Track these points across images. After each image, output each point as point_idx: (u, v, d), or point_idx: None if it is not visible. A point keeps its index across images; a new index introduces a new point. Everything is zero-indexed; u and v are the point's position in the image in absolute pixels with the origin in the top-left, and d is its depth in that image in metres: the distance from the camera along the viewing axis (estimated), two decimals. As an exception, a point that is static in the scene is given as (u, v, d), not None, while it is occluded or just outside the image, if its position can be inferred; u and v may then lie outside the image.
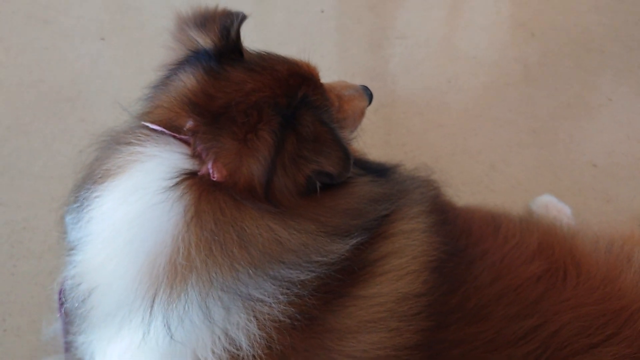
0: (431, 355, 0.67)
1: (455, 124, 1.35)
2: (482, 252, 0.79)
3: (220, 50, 0.73)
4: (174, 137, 0.66)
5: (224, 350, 0.60)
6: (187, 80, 0.70)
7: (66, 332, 1.00)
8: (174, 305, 0.59)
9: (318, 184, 0.66)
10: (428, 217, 0.81)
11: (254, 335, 0.60)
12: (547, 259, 0.76)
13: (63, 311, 1.03)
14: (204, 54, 0.73)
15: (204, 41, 0.74)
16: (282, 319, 0.61)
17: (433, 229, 0.80)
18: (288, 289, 0.61)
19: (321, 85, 0.81)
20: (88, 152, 0.73)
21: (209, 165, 0.64)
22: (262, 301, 0.60)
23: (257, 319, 0.61)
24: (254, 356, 0.60)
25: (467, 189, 1.22)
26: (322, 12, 1.61)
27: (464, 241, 0.81)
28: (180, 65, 0.74)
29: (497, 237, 0.82)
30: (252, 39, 0.83)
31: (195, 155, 0.65)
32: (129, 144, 0.66)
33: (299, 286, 0.62)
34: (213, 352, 0.61)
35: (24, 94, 1.43)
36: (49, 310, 1.04)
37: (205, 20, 0.75)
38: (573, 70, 1.47)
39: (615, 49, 1.51)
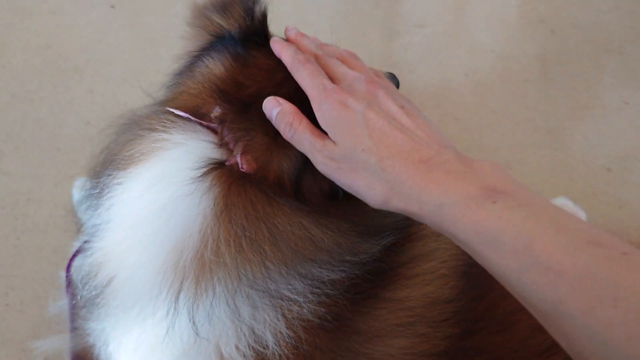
0: None
1: (472, 119, 1.33)
2: None
3: (245, 33, 0.70)
4: (201, 124, 0.63)
5: (249, 347, 0.59)
6: (214, 66, 0.67)
7: (72, 311, 0.98)
8: (201, 300, 0.57)
9: (341, 193, 0.63)
10: None
11: (281, 333, 0.59)
12: None
13: (70, 290, 1.01)
14: (230, 39, 0.69)
15: (227, 24, 0.70)
16: (310, 318, 0.59)
17: None
18: (318, 288, 0.59)
19: None
20: (106, 134, 0.70)
21: (238, 157, 0.62)
22: (291, 300, 0.59)
23: (285, 318, 0.59)
24: (280, 355, 0.59)
25: (481, 187, 1.21)
26: (341, -6, 1.57)
27: None
28: (204, 51, 0.70)
29: None
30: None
31: (222, 145, 0.62)
32: (154, 129, 0.63)
33: (329, 286, 0.60)
34: (237, 349, 0.59)
35: (30, 59, 1.39)
36: (54, 286, 1.02)
37: (225, 2, 0.72)
38: (591, 70, 1.45)
39: (634, 51, 1.49)
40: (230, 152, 0.62)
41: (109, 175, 0.63)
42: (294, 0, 1.54)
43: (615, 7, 1.60)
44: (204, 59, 0.69)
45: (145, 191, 0.59)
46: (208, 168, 0.59)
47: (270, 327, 0.59)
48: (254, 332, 0.59)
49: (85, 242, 0.69)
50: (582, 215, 1.13)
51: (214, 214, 0.57)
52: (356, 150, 0.54)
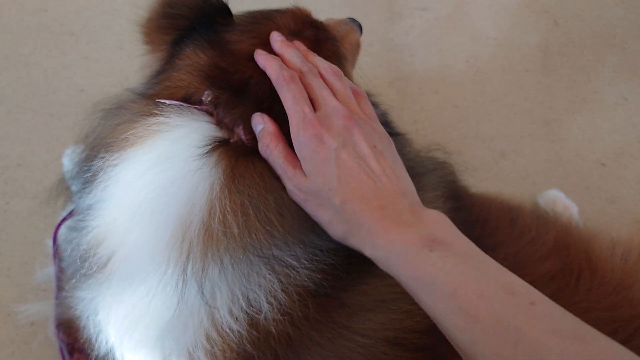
0: (439, 341, 0.67)
1: (470, 106, 1.33)
2: (496, 243, 0.78)
3: (207, 15, 0.72)
4: (196, 108, 0.64)
5: (243, 311, 0.59)
6: (195, 56, 0.68)
7: (59, 279, 0.98)
8: (208, 270, 0.58)
9: None
10: (444, 203, 0.80)
11: (276, 299, 0.59)
12: (562, 259, 0.76)
13: (56, 258, 1.00)
14: (199, 26, 0.71)
15: (187, 13, 0.72)
16: (306, 284, 0.60)
17: (448, 216, 0.79)
18: (317, 256, 0.61)
19: (325, 28, 0.80)
20: (91, 119, 0.70)
21: (241, 133, 0.63)
22: (290, 266, 0.60)
23: (281, 283, 0.60)
24: (272, 320, 0.59)
25: (476, 175, 1.21)
26: (344, -29, 1.55)
27: (479, 230, 0.80)
28: (179, 45, 0.71)
29: (513, 230, 0.81)
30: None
31: (221, 125, 0.63)
32: (149, 114, 0.64)
33: (327, 254, 0.62)
34: (231, 313, 0.59)
35: (25, 21, 1.36)
36: (42, 253, 1.01)
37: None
38: (592, 64, 1.44)
39: (637, 47, 1.48)
40: (231, 131, 0.63)
41: (101, 158, 0.63)
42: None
43: (621, 1, 1.59)
44: (183, 52, 0.69)
45: (147, 170, 0.60)
46: (214, 145, 0.61)
47: (265, 292, 0.59)
48: (248, 297, 0.59)
49: (76, 216, 0.68)
50: (574, 209, 1.13)
51: (222, 185, 0.58)
52: (324, 189, 0.58)
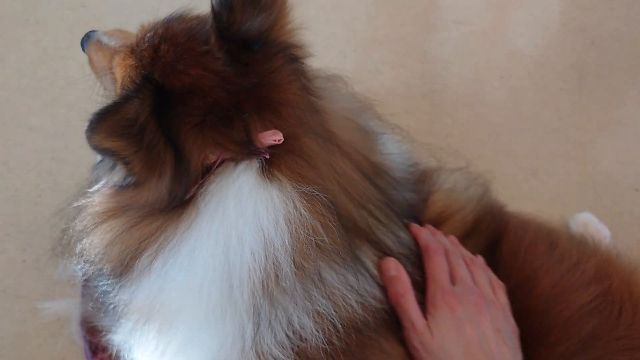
0: None
1: (503, 123, 1.31)
2: (533, 269, 0.76)
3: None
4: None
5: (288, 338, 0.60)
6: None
7: (84, 279, 0.98)
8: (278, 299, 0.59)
9: None
10: (478, 223, 0.80)
11: (329, 326, 0.60)
12: (603, 289, 0.73)
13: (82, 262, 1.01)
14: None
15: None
16: (355, 318, 0.61)
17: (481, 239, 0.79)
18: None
19: None
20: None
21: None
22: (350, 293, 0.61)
23: (336, 304, 0.60)
24: (317, 348, 0.59)
25: (506, 193, 1.19)
26: (380, -20, 1.54)
27: (519, 260, 0.78)
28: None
29: (552, 255, 0.79)
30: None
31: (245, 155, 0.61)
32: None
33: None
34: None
35: (64, 16, 1.37)
36: (68, 249, 1.02)
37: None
38: (628, 86, 1.42)
39: (674, 71, 1.46)
40: (258, 148, 0.61)
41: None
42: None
43: (659, 23, 1.57)
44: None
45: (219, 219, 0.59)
46: (262, 167, 0.60)
47: (318, 318, 0.59)
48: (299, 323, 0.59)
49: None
50: (606, 233, 1.11)
51: (293, 205, 0.59)
52: (444, 353, 0.62)
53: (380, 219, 0.65)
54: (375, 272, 0.64)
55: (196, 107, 0.59)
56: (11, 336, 0.96)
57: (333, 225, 0.59)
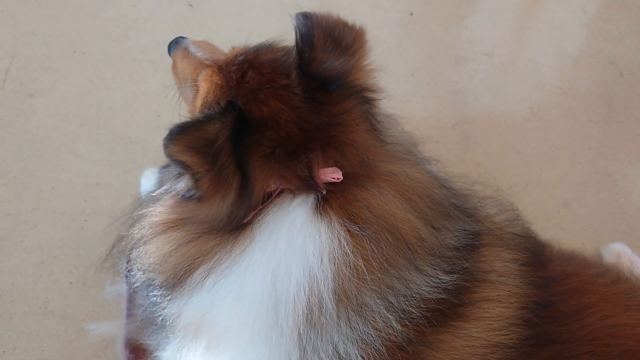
0: None
1: (533, 153, 1.33)
2: (583, 307, 0.76)
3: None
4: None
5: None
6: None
7: (130, 299, 1.01)
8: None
9: None
10: (522, 263, 0.79)
11: (369, 350, 0.62)
12: None
13: (128, 278, 1.04)
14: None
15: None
16: (396, 336, 0.63)
17: (527, 276, 0.77)
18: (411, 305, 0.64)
19: None
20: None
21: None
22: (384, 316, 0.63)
23: (377, 330, 0.62)
24: None
25: (537, 223, 1.20)
26: (411, 14, 1.59)
27: (572, 302, 0.78)
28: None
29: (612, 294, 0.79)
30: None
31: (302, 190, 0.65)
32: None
33: (419, 303, 0.64)
34: None
35: (109, 48, 1.44)
36: (114, 271, 1.06)
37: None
38: (658, 118, 1.43)
39: None
40: (314, 187, 0.65)
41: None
42: (365, 14, 1.56)
43: (688, 55, 1.58)
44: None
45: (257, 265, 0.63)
46: (316, 204, 0.64)
47: (362, 344, 0.62)
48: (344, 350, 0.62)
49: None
50: (639, 263, 1.12)
51: (344, 238, 0.62)
52: None
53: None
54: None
55: (269, 139, 0.63)
56: (58, 356, 1.00)
57: (375, 261, 0.62)
